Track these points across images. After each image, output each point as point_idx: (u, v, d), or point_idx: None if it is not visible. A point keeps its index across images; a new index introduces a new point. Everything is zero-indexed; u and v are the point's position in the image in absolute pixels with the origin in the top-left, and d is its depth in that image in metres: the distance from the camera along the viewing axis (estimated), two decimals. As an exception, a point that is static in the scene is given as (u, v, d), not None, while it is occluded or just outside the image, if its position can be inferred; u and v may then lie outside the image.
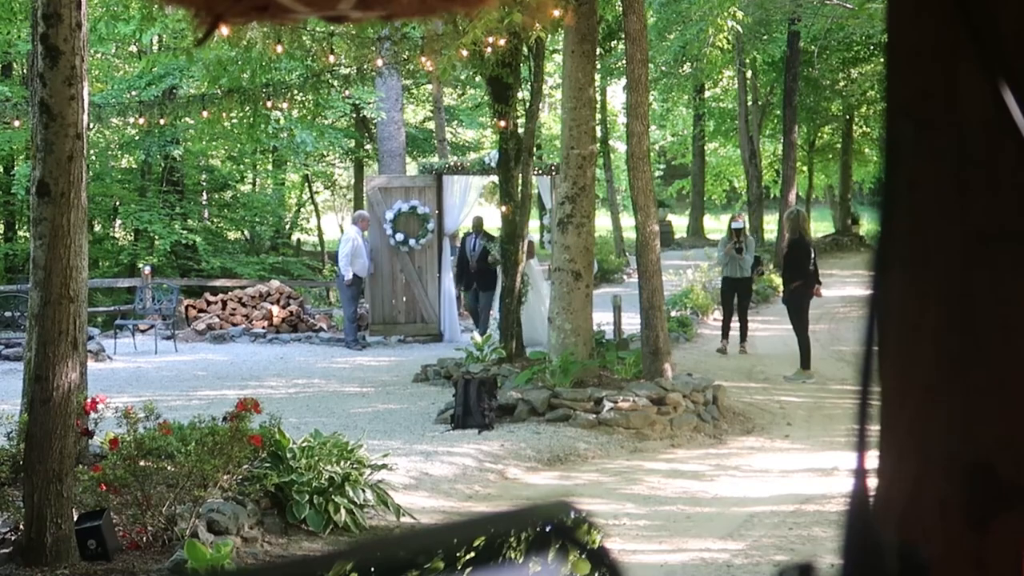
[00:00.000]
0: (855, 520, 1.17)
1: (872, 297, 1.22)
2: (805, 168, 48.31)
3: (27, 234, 26.36)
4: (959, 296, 1.17)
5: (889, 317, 1.22)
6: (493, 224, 27.03)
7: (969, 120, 1.17)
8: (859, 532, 1.17)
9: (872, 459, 1.23)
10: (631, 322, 18.43)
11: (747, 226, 21.94)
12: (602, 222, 37.60)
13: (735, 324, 21.19)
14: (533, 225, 29.52)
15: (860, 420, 1.19)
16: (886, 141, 1.24)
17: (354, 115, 38.29)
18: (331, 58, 20.64)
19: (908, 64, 1.24)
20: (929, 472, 1.20)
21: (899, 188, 1.22)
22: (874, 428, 1.23)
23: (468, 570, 1.32)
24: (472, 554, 1.32)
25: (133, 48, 37.29)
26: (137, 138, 33.81)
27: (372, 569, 1.29)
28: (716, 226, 59.89)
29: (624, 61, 17.39)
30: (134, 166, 38.17)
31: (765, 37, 37.52)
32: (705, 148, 54.43)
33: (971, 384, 1.17)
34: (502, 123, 18.54)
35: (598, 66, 20.64)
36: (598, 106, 26.81)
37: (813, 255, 18.77)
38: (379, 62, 20.27)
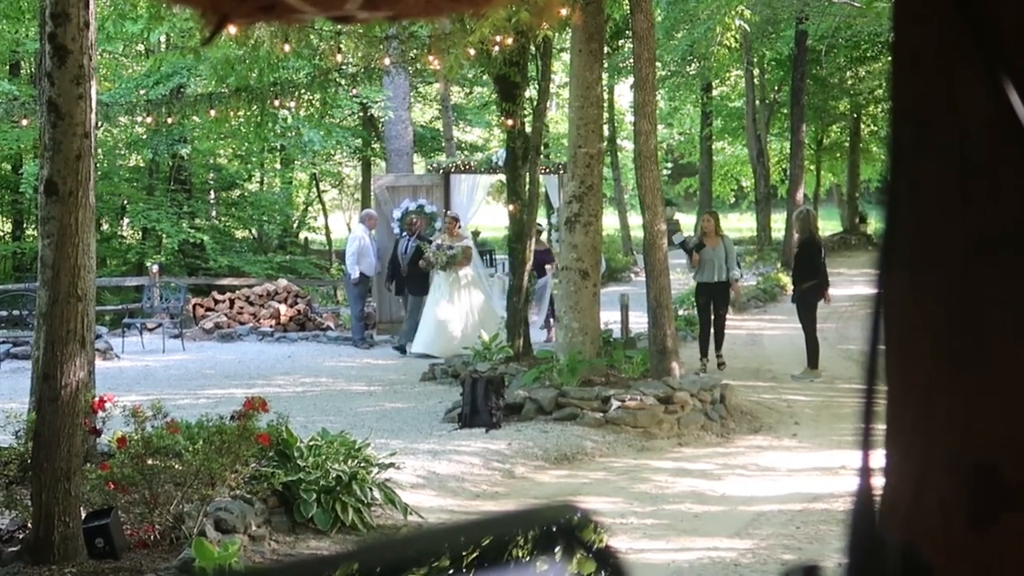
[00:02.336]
0: (859, 519, 1.18)
1: (877, 296, 1.22)
2: (813, 167, 48.29)
3: (35, 233, 26.41)
4: (960, 296, 1.18)
5: (891, 316, 1.23)
6: (501, 223, 26.94)
7: (971, 122, 1.17)
8: (863, 532, 1.17)
9: (877, 458, 1.24)
10: (638, 321, 18.44)
11: (719, 224, 19.96)
12: (609, 221, 37.65)
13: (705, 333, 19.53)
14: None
15: (865, 419, 1.19)
16: (891, 142, 1.25)
17: (361, 114, 38.34)
18: (338, 57, 20.66)
19: (911, 65, 1.24)
20: (931, 472, 1.20)
21: (903, 189, 1.23)
22: (879, 427, 1.23)
23: (474, 570, 1.33)
24: (478, 554, 1.33)
25: (141, 47, 37.31)
26: (145, 137, 33.85)
27: (379, 569, 1.29)
28: (723, 225, 59.73)
29: (631, 60, 17.41)
30: (142, 165, 38.24)
31: (773, 36, 37.53)
32: (713, 147, 54.38)
33: (972, 384, 1.17)
34: (509, 122, 18.57)
35: (605, 65, 20.62)
36: (605, 105, 26.84)
37: (823, 255, 18.73)
38: (386, 61, 20.28)
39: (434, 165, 26.71)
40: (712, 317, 19.23)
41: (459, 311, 21.48)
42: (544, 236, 23.83)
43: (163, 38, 34.30)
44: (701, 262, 18.91)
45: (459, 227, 22.40)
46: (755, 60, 40.79)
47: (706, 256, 18.87)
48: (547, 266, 22.91)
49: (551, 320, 22.32)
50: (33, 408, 9.47)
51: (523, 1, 12.71)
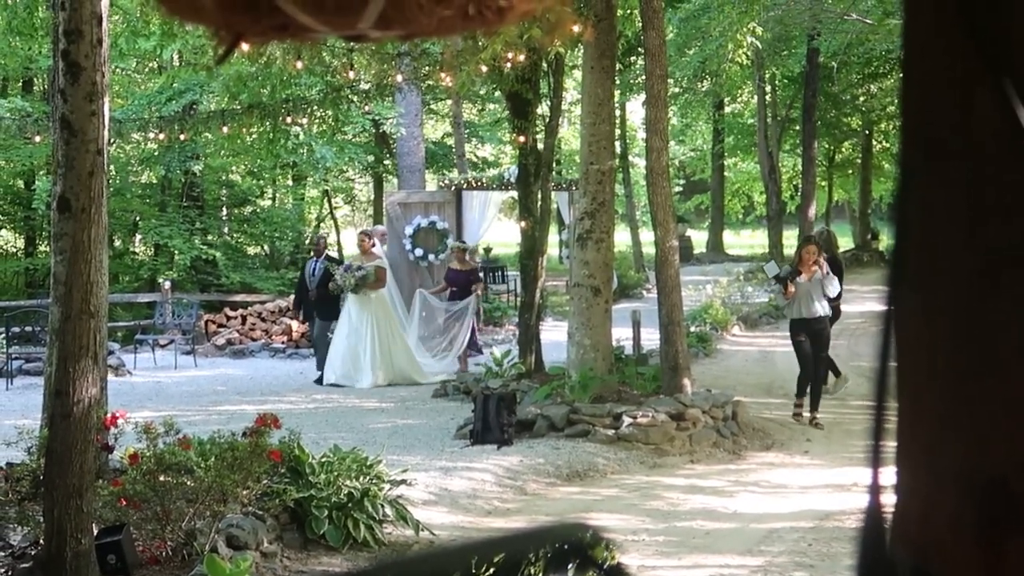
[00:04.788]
0: (869, 537, 1.18)
1: (887, 314, 1.22)
2: (824, 183, 48.27)
3: (48, 249, 26.45)
4: (969, 312, 1.18)
5: (901, 332, 1.23)
6: (511, 239, 26.84)
7: (981, 139, 1.17)
8: (873, 550, 1.17)
9: (888, 475, 1.24)
10: (650, 337, 18.41)
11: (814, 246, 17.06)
12: (621, 237, 37.64)
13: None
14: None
15: (875, 436, 1.19)
16: (901, 160, 1.25)
17: (374, 130, 38.33)
18: (351, 74, 20.69)
19: (921, 83, 1.24)
20: (942, 489, 1.20)
21: (913, 206, 1.23)
22: (890, 444, 1.24)
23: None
24: (491, 573, 1.33)
25: (153, 64, 37.39)
26: (157, 153, 33.86)
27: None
28: (735, 241, 59.93)
29: (643, 76, 17.41)
30: (154, 181, 38.21)
31: (784, 52, 37.55)
32: (724, 163, 54.40)
33: (982, 400, 1.17)
34: (521, 138, 18.58)
35: (617, 81, 20.63)
36: (617, 121, 26.84)
37: (842, 275, 18.40)
38: (399, 77, 20.32)
39: (446, 182, 26.73)
40: (814, 359, 16.55)
41: (370, 337, 20.19)
42: (469, 255, 22.91)
43: (176, 55, 34.41)
44: (795, 295, 16.32)
45: (372, 244, 21.06)
46: (767, 77, 40.81)
47: (801, 288, 16.27)
48: (474, 287, 22.04)
49: (471, 347, 21.71)
50: (45, 424, 9.48)
51: (535, 18, 12.75)
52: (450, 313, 21.64)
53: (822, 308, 16.33)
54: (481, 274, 21.43)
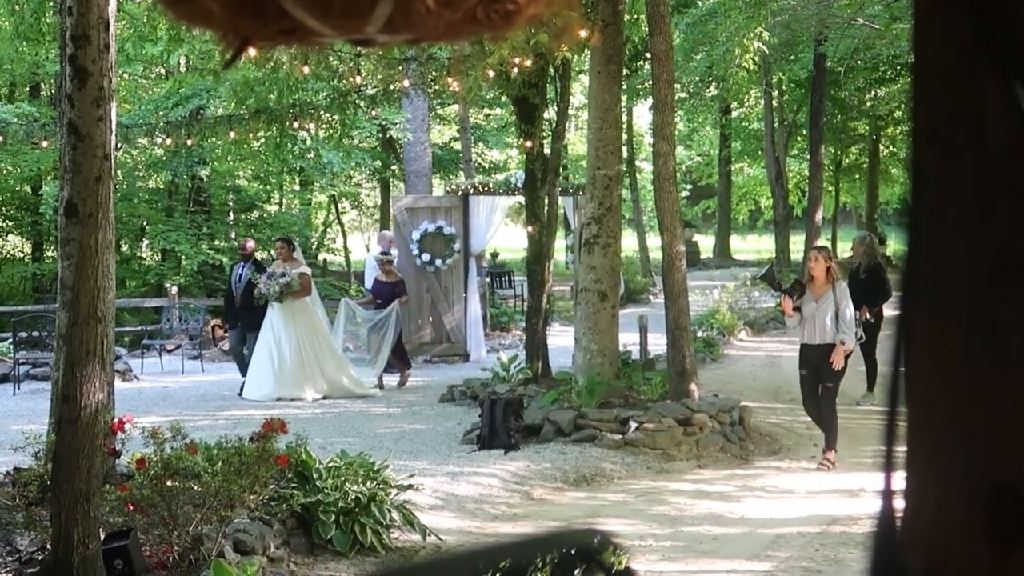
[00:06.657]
0: (881, 542, 1.17)
1: (900, 318, 1.22)
2: (831, 188, 48.24)
3: (55, 254, 26.46)
4: (981, 319, 1.17)
5: (913, 339, 1.22)
6: (518, 244, 26.81)
7: (992, 142, 1.17)
8: (884, 555, 1.17)
9: (899, 481, 1.23)
10: (657, 342, 18.40)
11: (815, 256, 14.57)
12: (628, 242, 37.63)
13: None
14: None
15: (888, 441, 1.19)
16: (911, 164, 1.25)
17: (380, 135, 38.35)
18: (358, 79, 20.68)
19: (930, 86, 1.24)
20: (952, 494, 1.20)
21: (924, 211, 1.22)
22: (901, 449, 1.23)
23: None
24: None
25: (160, 69, 37.43)
26: (164, 158, 33.90)
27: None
28: (742, 246, 59.89)
29: (650, 81, 17.41)
30: (161, 186, 38.23)
31: (791, 57, 37.53)
32: (731, 168, 54.39)
33: (992, 405, 1.17)
34: (528, 143, 18.57)
35: (624, 86, 20.62)
36: (624, 126, 26.84)
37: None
38: (405, 82, 20.33)
39: (453, 187, 26.72)
40: (818, 395, 14.09)
41: (296, 349, 19.18)
42: (395, 266, 22.18)
43: (183, 60, 34.44)
44: (803, 317, 13.89)
45: (294, 251, 20.06)
46: (774, 82, 40.79)
47: (807, 309, 13.85)
48: (399, 299, 21.26)
49: (400, 359, 21.17)
50: (53, 429, 9.49)
51: (542, 23, 12.75)
52: (372, 322, 21.09)
53: (829, 333, 13.73)
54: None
